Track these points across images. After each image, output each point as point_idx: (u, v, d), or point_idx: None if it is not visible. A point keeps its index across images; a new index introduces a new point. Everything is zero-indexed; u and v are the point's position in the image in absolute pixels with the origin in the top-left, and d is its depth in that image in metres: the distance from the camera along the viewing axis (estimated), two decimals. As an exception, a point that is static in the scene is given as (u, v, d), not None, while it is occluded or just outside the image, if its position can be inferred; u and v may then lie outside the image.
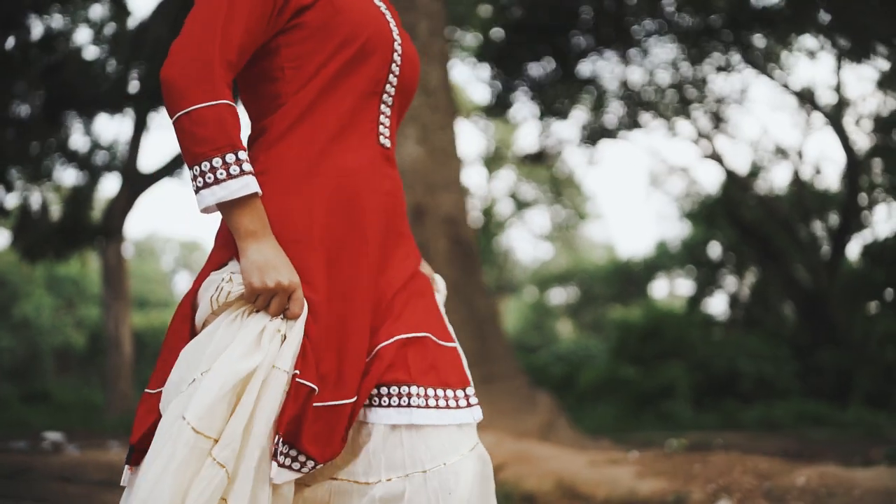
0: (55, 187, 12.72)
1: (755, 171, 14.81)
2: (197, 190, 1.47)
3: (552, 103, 11.01)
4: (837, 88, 13.73)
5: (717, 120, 14.25)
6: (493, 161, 19.14)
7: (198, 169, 1.46)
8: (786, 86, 13.54)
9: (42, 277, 21.39)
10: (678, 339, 12.67)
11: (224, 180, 1.45)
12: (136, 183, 12.60)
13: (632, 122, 12.93)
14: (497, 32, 9.30)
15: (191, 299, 1.55)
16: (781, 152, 14.46)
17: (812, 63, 12.27)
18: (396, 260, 1.69)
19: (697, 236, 16.46)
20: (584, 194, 23.40)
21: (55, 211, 10.88)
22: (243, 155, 1.47)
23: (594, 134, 12.65)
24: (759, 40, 12.28)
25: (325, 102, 1.60)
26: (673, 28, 8.70)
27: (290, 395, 1.47)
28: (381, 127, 1.68)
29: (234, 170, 1.46)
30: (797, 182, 14.51)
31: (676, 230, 18.91)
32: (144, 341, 21.03)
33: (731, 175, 14.50)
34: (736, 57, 12.65)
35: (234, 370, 1.41)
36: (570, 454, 3.75)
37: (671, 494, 2.95)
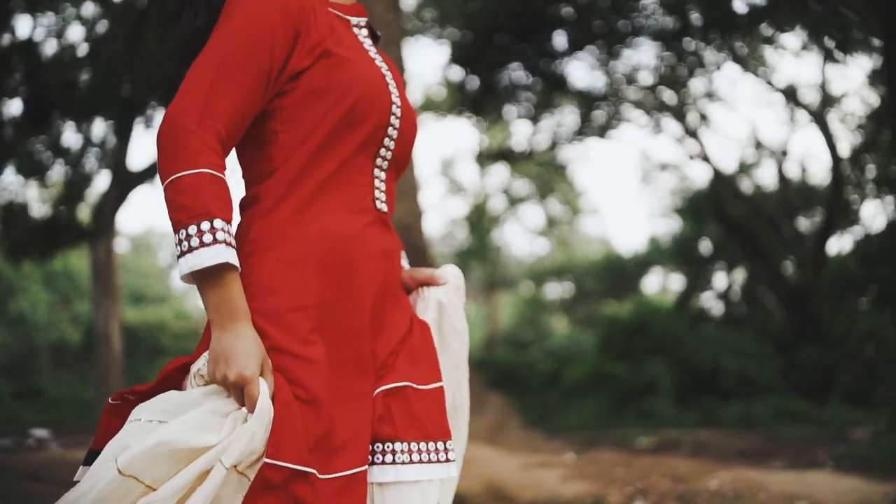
0: (46, 185, 12.83)
1: (742, 169, 14.88)
2: (178, 258, 1.46)
3: (529, 106, 11.11)
4: (822, 85, 13.80)
5: (702, 118, 14.33)
6: (485, 157, 19.20)
7: (177, 237, 1.44)
8: (770, 83, 13.61)
9: (38, 273, 21.53)
10: (663, 336, 12.76)
11: (196, 248, 1.42)
12: (125, 181, 12.70)
13: (613, 121, 13.01)
14: (467, 36, 9.38)
15: (179, 370, 1.53)
16: (767, 150, 14.54)
17: (797, 60, 12.33)
18: (391, 323, 1.67)
19: (687, 232, 16.53)
20: (576, 190, 23.47)
21: (42, 209, 10.98)
22: (220, 223, 1.44)
23: (581, 132, 12.75)
24: (743, 38, 12.35)
25: (317, 167, 1.58)
26: (649, 30, 8.76)
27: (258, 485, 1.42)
28: (376, 191, 1.65)
29: (207, 238, 1.43)
30: (783, 179, 14.59)
31: (668, 226, 18.99)
32: (139, 336, 21.17)
33: (716, 172, 14.58)
34: (721, 55, 12.72)
35: (185, 438, 1.38)
36: (504, 457, 3.85)
37: (590, 497, 3.05)
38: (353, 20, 1.72)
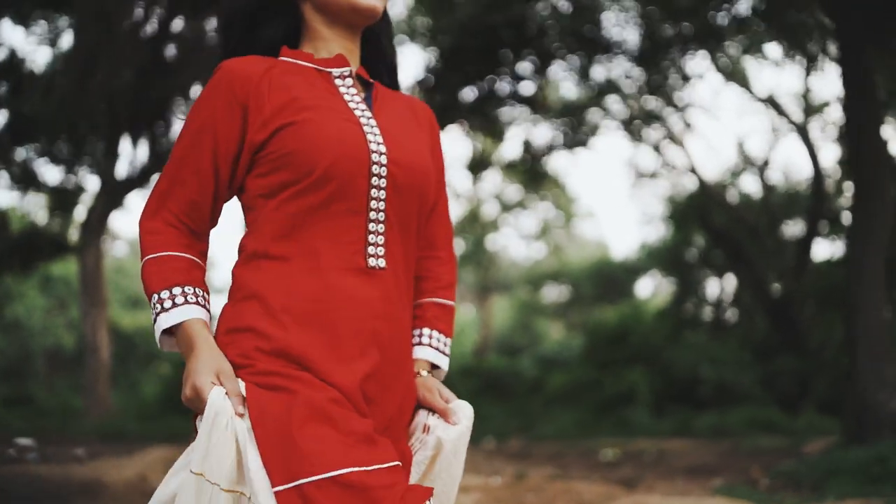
0: (39, 191, 12.99)
1: (726, 178, 14.99)
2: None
3: (488, 124, 11.25)
4: (805, 95, 13.90)
5: (686, 125, 14.43)
6: (477, 164, 19.32)
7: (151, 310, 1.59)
8: (752, 93, 13.72)
9: (35, 278, 21.70)
10: (645, 344, 12.88)
11: (157, 316, 1.57)
12: (114, 190, 12.85)
13: (595, 131, 13.13)
14: (428, 57, 9.52)
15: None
16: (750, 159, 14.64)
17: (779, 70, 12.43)
18: (384, 402, 1.60)
19: (675, 239, 16.64)
20: (569, 195, 23.57)
21: (25, 221, 11.12)
22: (177, 290, 1.56)
23: (562, 143, 12.86)
24: (724, 49, 12.45)
25: (299, 228, 1.57)
26: (618, 48, 8.86)
27: None
28: (370, 247, 1.59)
29: (168, 304, 1.55)
30: (766, 188, 14.68)
31: (658, 232, 19.07)
32: (134, 342, 21.32)
33: (701, 181, 14.69)
34: (703, 64, 12.84)
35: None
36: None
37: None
38: (336, 72, 1.68)
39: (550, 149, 13.10)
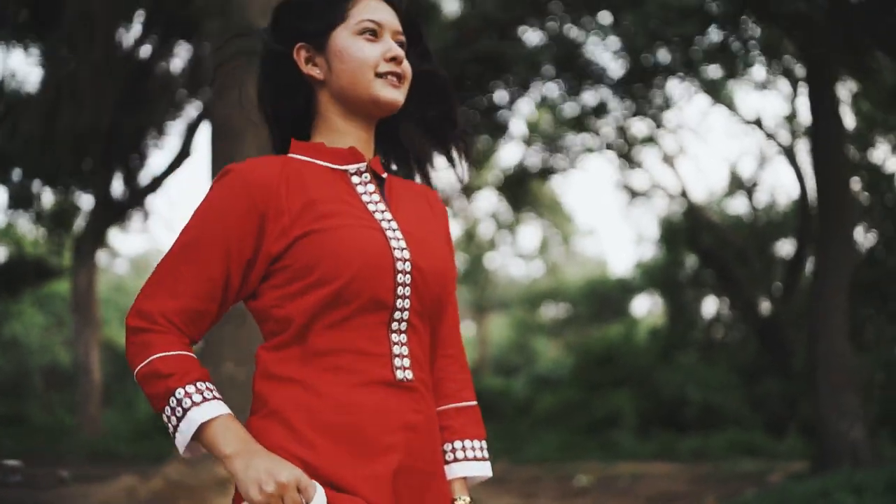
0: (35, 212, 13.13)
1: (714, 199, 15.08)
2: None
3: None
4: (791, 118, 14.01)
5: (680, 150, 14.55)
6: (473, 184, 19.46)
7: (164, 419, 1.48)
8: (739, 115, 13.84)
9: (34, 296, 21.83)
10: (632, 367, 12.94)
11: (176, 427, 1.45)
12: (108, 210, 12.99)
13: (583, 152, 13.26)
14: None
15: None
16: (739, 180, 14.74)
17: (768, 93, 12.55)
18: None
19: (667, 260, 16.71)
20: (565, 213, 23.67)
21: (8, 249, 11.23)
22: (201, 385, 1.46)
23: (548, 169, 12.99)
24: (713, 71, 12.57)
25: (321, 343, 1.50)
26: (601, 79, 8.96)
27: None
28: (396, 359, 1.54)
29: (197, 398, 1.44)
30: (754, 209, 14.78)
31: (651, 252, 19.15)
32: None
33: (689, 202, 14.79)
34: (691, 87, 12.94)
35: None
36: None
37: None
38: (351, 168, 1.61)
39: (525, 173, 13.26)
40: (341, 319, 1.50)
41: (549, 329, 26.00)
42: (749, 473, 7.82)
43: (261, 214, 1.51)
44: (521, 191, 15.32)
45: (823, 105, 6.78)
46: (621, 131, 13.26)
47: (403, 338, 1.55)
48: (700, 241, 14.57)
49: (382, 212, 1.58)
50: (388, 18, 1.62)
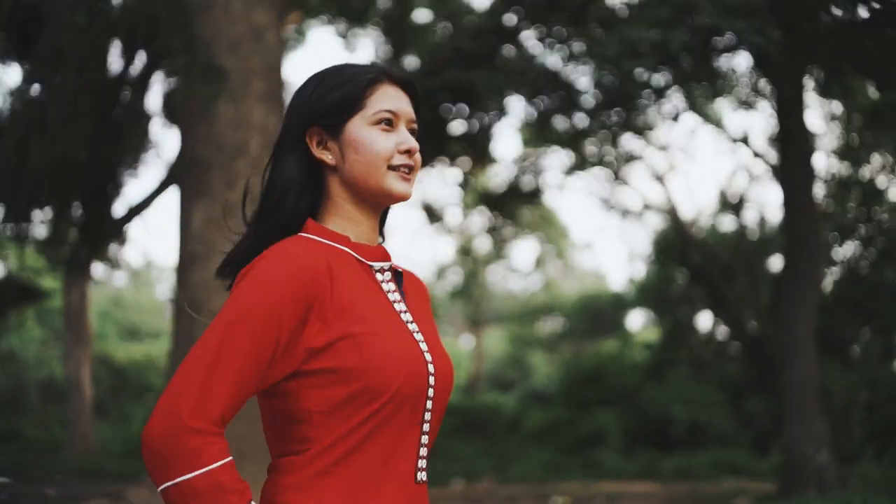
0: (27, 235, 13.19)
1: (703, 217, 15.17)
2: None
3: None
4: (778, 136, 14.09)
5: (671, 168, 14.66)
6: (468, 201, 19.57)
7: None
8: (726, 132, 13.93)
9: (33, 310, 21.96)
10: (619, 384, 13.00)
11: None
12: (101, 227, 13.07)
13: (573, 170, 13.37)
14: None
15: None
16: (725, 199, 14.83)
17: (755, 111, 12.62)
18: None
19: (657, 276, 16.78)
20: (560, 228, 23.75)
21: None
22: None
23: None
24: (702, 91, 12.67)
25: (361, 452, 1.48)
26: (580, 104, 9.05)
27: None
28: (420, 461, 1.54)
29: None
30: (742, 227, 14.87)
31: (643, 268, 19.21)
32: (127, 375, 21.52)
33: (678, 220, 14.88)
34: (679, 106, 13.05)
35: None
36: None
37: None
38: (376, 265, 1.61)
39: (514, 193, 13.39)
40: (380, 423, 1.48)
41: (545, 343, 26.06)
42: (721, 495, 7.89)
43: (308, 304, 1.46)
44: (512, 209, 15.43)
45: (793, 144, 6.89)
46: (608, 149, 13.37)
47: (426, 439, 1.55)
48: (690, 259, 14.66)
49: (405, 312, 1.59)
50: (404, 107, 1.62)
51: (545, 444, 12.55)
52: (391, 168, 1.58)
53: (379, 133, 1.58)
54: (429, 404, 1.54)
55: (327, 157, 1.60)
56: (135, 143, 6.99)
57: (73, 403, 13.40)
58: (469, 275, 24.47)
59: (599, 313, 21.79)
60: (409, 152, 1.59)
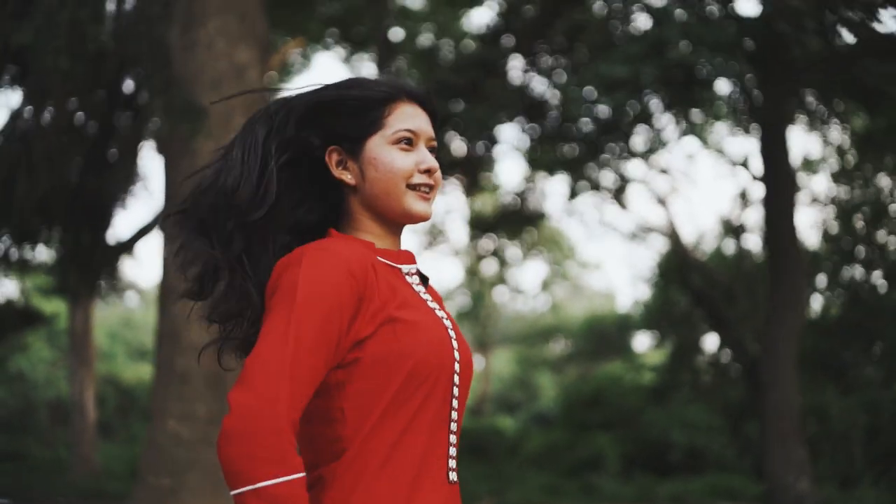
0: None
1: (703, 240, 15.19)
2: None
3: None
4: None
5: (669, 189, 14.70)
6: (474, 224, 19.67)
7: None
8: (725, 156, 13.99)
9: (43, 331, 22.13)
10: (619, 408, 13.00)
11: None
12: (105, 251, 13.22)
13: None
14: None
15: None
16: (725, 222, 14.86)
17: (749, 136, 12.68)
18: None
19: (660, 299, 16.78)
20: (566, 250, 23.78)
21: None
22: None
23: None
24: (696, 115, 12.75)
25: (398, 450, 1.47)
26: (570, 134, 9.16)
27: None
28: (450, 461, 1.53)
29: None
30: (740, 249, 14.89)
31: (647, 290, 19.21)
32: (134, 395, 21.62)
33: (679, 243, 14.90)
34: (678, 129, 13.13)
35: None
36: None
37: None
38: (405, 268, 1.62)
39: (505, 219, 13.51)
40: (412, 417, 1.47)
41: (552, 365, 26.02)
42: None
43: (360, 296, 1.47)
44: (515, 232, 15.52)
45: (777, 173, 6.95)
46: (606, 174, 13.46)
47: (454, 438, 1.54)
48: (691, 281, 14.66)
49: (438, 310, 1.61)
50: (424, 126, 1.61)
51: (544, 468, 12.55)
52: (411, 187, 1.57)
53: (398, 152, 1.57)
54: (455, 402, 1.54)
55: (347, 177, 1.59)
56: (125, 176, 7.14)
57: (76, 425, 13.54)
58: (476, 296, 24.51)
59: (605, 335, 21.77)
60: (429, 171, 1.59)
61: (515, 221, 14.59)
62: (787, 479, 6.15)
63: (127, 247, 11.65)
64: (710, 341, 16.12)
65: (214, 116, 5.05)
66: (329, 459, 1.47)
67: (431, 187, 1.60)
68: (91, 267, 8.50)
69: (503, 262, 22.15)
